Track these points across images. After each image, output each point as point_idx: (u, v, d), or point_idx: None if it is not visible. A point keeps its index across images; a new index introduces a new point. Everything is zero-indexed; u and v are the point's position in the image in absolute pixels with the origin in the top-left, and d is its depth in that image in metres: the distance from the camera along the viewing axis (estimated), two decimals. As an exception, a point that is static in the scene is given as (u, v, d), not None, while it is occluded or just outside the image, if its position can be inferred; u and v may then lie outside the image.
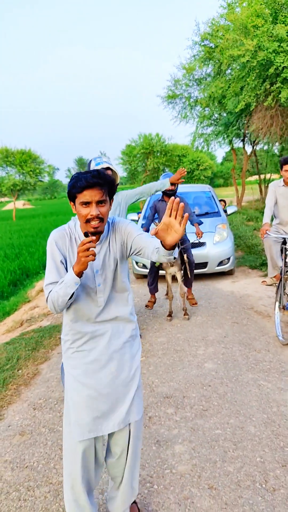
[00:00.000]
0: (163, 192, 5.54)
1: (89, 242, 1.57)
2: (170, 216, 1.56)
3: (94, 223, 1.71)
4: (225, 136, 19.67)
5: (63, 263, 1.80)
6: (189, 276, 5.53)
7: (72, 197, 1.74)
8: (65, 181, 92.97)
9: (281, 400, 3.17)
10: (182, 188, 9.08)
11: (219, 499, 2.23)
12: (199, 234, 5.33)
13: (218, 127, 19.55)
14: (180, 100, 19.49)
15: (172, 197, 1.55)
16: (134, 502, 2.15)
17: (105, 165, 4.36)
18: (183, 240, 5.44)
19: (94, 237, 1.63)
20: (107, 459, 2.00)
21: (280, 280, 4.40)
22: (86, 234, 1.66)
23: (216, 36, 14.42)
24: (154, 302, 5.71)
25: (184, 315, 5.20)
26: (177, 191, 5.72)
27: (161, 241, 1.64)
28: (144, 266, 6.89)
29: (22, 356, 4.33)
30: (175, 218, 1.55)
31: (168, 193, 5.49)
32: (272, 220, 4.94)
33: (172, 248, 1.64)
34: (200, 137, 20.23)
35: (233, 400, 3.22)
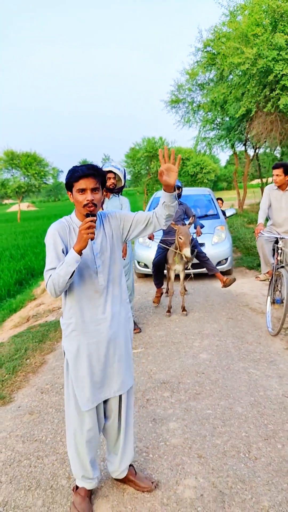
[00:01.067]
0: None
1: (90, 221, 1.90)
2: (165, 162, 2.06)
3: (89, 207, 2.02)
4: (227, 140, 19.96)
5: (63, 252, 2.02)
6: (205, 263, 5.83)
7: (70, 186, 2.05)
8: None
9: (268, 385, 3.47)
10: (183, 191, 9.39)
11: (206, 465, 2.53)
12: (197, 232, 5.63)
13: (220, 131, 19.86)
14: (183, 104, 19.81)
15: (165, 146, 2.05)
16: (131, 465, 2.44)
17: (108, 168, 4.68)
18: (192, 239, 5.75)
19: (94, 217, 1.94)
20: (104, 423, 2.31)
21: (272, 276, 4.71)
22: (87, 215, 1.97)
23: (218, 42, 14.76)
24: (160, 296, 6.00)
25: (183, 311, 5.49)
26: (181, 196, 6.04)
27: (163, 188, 2.14)
28: (145, 266, 7.20)
29: (30, 348, 4.64)
30: (171, 162, 2.07)
31: None
32: (266, 221, 5.24)
33: (173, 189, 2.14)
34: (203, 141, 20.53)
35: (224, 385, 3.51)
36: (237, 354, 4.13)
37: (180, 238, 5.23)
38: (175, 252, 5.40)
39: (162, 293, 6.08)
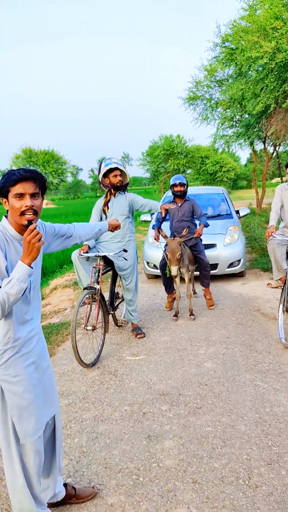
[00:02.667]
0: (173, 193, 5.60)
1: (34, 228, 1.74)
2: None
3: (29, 215, 1.81)
4: (246, 137, 19.55)
5: (7, 271, 1.79)
6: (204, 275, 5.57)
7: (5, 192, 1.83)
8: (89, 181, 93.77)
9: (275, 400, 3.20)
10: (195, 190, 9.13)
11: (201, 493, 2.29)
12: (197, 232, 5.31)
13: (239, 128, 19.47)
14: (201, 101, 19.48)
15: None
16: (65, 483, 2.29)
17: (113, 165, 4.46)
18: (196, 244, 5.49)
19: (37, 224, 1.81)
20: None
21: (285, 282, 4.41)
22: (29, 223, 1.80)
23: (237, 37, 14.40)
24: (173, 302, 5.78)
25: (190, 315, 5.25)
26: (189, 193, 5.78)
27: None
28: (155, 267, 6.96)
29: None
30: None
31: (178, 194, 5.55)
32: (279, 223, 4.95)
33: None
34: (221, 139, 20.18)
35: (227, 399, 3.26)
36: (244, 364, 3.87)
37: (166, 254, 4.98)
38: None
39: (174, 299, 5.84)
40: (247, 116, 18.47)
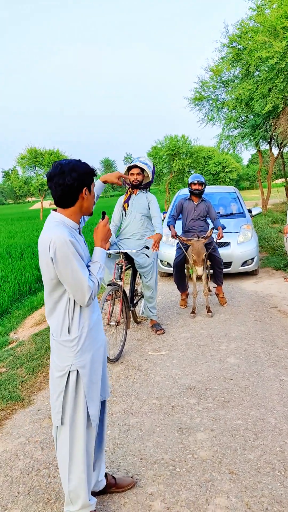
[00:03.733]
0: (190, 191, 5.63)
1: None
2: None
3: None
4: (252, 138, 19.59)
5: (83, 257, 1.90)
6: (217, 273, 5.62)
7: (89, 182, 1.91)
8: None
9: (302, 395, 3.23)
10: (207, 189, 9.15)
11: (239, 483, 2.32)
12: (219, 235, 5.38)
13: (244, 129, 19.51)
14: (207, 102, 19.53)
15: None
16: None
17: (133, 163, 4.51)
18: (210, 241, 5.52)
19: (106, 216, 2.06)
20: None
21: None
22: (104, 213, 2.02)
23: (245, 38, 14.44)
24: (186, 298, 5.82)
25: (208, 312, 5.28)
26: (204, 192, 5.81)
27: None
28: (169, 265, 7.00)
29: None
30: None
31: (195, 193, 5.58)
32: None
33: None
34: (226, 139, 20.23)
35: (254, 393, 3.29)
36: (267, 360, 3.90)
37: (193, 256, 5.05)
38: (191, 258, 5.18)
39: (187, 295, 5.87)
40: (252, 117, 18.52)
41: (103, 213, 2.05)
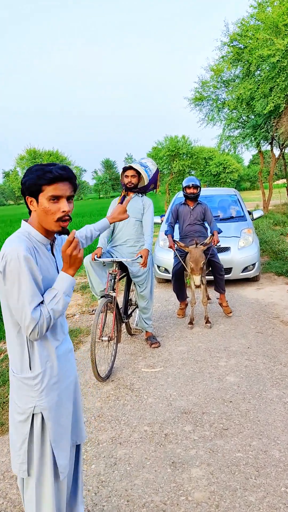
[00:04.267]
0: (185, 195, 5.35)
1: (73, 238, 1.55)
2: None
3: (64, 220, 1.58)
4: (253, 138, 19.33)
5: (41, 279, 1.57)
6: (218, 280, 5.32)
7: (35, 191, 1.56)
8: (92, 182, 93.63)
9: (309, 421, 2.93)
10: (206, 192, 8.86)
11: (238, 533, 2.03)
12: (215, 241, 5.09)
13: (245, 129, 19.24)
14: (207, 102, 19.27)
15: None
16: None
17: (131, 165, 4.22)
18: (209, 248, 5.23)
19: (75, 231, 1.57)
20: None
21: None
22: (64, 230, 1.60)
23: (246, 36, 14.16)
24: (185, 308, 5.53)
25: (206, 323, 4.98)
26: (201, 195, 5.51)
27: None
28: (166, 271, 6.71)
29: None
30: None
31: (190, 197, 5.30)
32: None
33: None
34: (227, 140, 19.98)
35: (256, 419, 2.99)
36: (269, 378, 3.59)
37: (190, 264, 4.75)
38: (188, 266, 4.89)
39: (186, 305, 5.57)
40: (253, 117, 18.25)
41: (64, 229, 1.61)
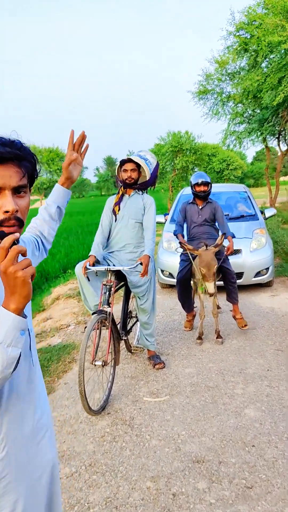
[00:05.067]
0: (194, 193, 4.75)
1: (15, 243, 0.92)
2: (75, 150, 1.55)
3: (9, 225, 1.00)
4: (259, 133, 18.70)
5: None
6: (231, 289, 4.70)
7: None
8: (94, 180, 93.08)
9: None
10: (213, 188, 8.23)
11: None
12: (229, 249, 4.49)
13: (251, 124, 18.61)
14: (211, 95, 18.64)
15: (82, 131, 1.52)
16: None
17: (130, 157, 3.63)
18: (219, 251, 4.61)
19: (17, 234, 0.93)
20: None
21: None
22: (2, 234, 0.97)
23: (253, 25, 13.51)
24: (193, 320, 4.93)
25: (217, 338, 4.38)
26: (210, 193, 4.89)
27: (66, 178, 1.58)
28: (171, 275, 6.10)
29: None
30: (79, 151, 1.56)
31: (200, 195, 4.69)
32: None
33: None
34: (232, 135, 19.36)
35: (287, 472, 2.39)
36: (297, 412, 2.99)
37: (201, 269, 4.13)
38: (199, 273, 4.26)
39: (194, 315, 4.96)
40: (258, 111, 17.60)
41: (1, 233, 0.99)
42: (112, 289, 3.34)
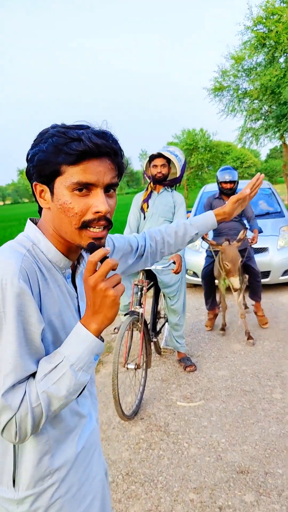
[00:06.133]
0: (221, 190, 4.60)
1: (107, 257, 0.84)
2: (251, 190, 1.34)
3: (98, 229, 0.87)
4: (276, 130, 18.44)
5: (43, 337, 0.88)
6: (255, 287, 4.58)
7: (49, 173, 0.85)
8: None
9: None
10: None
11: None
12: (254, 238, 4.35)
13: (268, 120, 18.35)
14: (227, 92, 18.44)
15: (258, 173, 1.37)
16: None
17: (160, 152, 3.50)
18: (244, 247, 4.47)
19: (108, 249, 0.84)
20: None
21: None
22: (92, 246, 0.86)
23: (271, 19, 13.29)
24: (214, 318, 4.79)
25: (248, 339, 4.22)
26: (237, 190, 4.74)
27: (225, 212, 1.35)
28: (195, 274, 5.95)
29: None
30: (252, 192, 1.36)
31: (227, 192, 4.55)
32: None
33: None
34: (248, 132, 19.13)
35: None
36: None
37: (226, 264, 3.98)
38: (221, 268, 4.14)
39: (216, 315, 4.81)
40: (275, 107, 17.33)
41: (91, 245, 0.87)
42: (144, 289, 3.21)
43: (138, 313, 3.10)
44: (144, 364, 3.24)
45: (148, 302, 4.25)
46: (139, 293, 3.19)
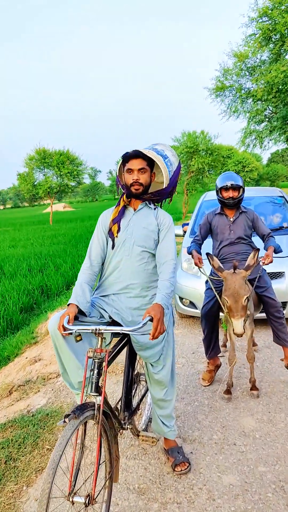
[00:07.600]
0: (220, 201, 3.47)
1: None
2: None
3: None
4: (281, 132, 17.38)
5: None
6: (275, 325, 3.42)
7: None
8: (107, 183, 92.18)
9: None
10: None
11: None
12: (268, 257, 3.18)
13: (273, 121, 17.28)
14: (229, 92, 17.38)
15: None
16: None
17: (137, 150, 2.31)
18: (256, 275, 3.31)
19: None
20: None
21: None
22: None
23: (278, 9, 12.19)
24: (215, 371, 3.61)
25: (251, 389, 3.10)
26: (243, 200, 3.56)
27: None
28: (192, 304, 4.77)
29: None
30: None
31: (229, 204, 3.41)
32: None
33: None
34: (252, 134, 18.08)
35: None
36: None
37: (225, 300, 2.84)
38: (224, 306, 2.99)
39: (218, 366, 3.63)
40: (281, 107, 16.25)
41: None
42: (105, 361, 2.00)
43: (93, 406, 1.91)
44: (109, 480, 2.04)
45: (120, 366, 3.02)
46: (96, 370, 1.98)
